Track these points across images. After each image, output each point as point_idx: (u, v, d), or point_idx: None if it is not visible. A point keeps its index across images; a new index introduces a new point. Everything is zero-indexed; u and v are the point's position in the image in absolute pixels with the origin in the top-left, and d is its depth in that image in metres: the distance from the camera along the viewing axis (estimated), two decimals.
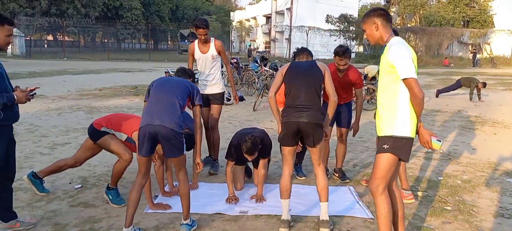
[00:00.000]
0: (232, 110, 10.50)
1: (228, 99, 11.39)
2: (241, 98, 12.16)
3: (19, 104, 3.47)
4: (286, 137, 3.70)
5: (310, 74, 3.74)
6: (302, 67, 3.82)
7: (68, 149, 6.47)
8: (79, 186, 4.77)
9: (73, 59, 33.00)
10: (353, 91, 5.23)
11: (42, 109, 9.73)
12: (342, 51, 4.80)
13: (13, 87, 3.45)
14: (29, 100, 3.51)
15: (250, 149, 4.32)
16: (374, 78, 11.58)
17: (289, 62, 3.97)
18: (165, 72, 11.67)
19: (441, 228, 3.87)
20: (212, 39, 5.44)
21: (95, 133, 4.24)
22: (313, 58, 4.18)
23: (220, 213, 4.12)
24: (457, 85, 13.30)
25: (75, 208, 4.22)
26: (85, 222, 3.91)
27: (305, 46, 4.92)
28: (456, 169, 5.71)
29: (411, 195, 4.45)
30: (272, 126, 8.50)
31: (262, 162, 4.61)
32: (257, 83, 13.33)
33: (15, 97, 3.34)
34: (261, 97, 11.01)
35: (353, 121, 5.19)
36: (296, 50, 4.28)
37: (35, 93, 3.58)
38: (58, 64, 26.99)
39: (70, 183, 4.87)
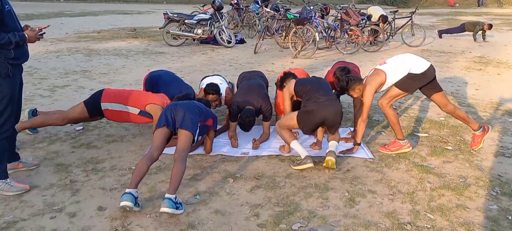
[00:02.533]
0: (233, 53, 10.36)
1: (229, 42, 11.23)
2: (242, 41, 11.98)
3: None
4: (309, 125, 3.78)
5: (320, 79, 4.09)
6: (310, 78, 4.12)
7: (68, 91, 6.43)
8: (81, 127, 4.77)
9: (70, 1, 32.25)
10: None
11: (41, 51, 9.61)
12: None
13: (22, 26, 3.37)
14: (39, 40, 3.43)
15: (244, 127, 4.34)
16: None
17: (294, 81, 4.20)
18: (164, 13, 11.40)
19: (442, 167, 3.89)
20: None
21: (97, 105, 4.14)
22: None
23: (222, 155, 4.14)
24: (461, 29, 13.00)
25: (77, 149, 4.25)
26: (88, 162, 3.94)
27: None
28: None
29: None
30: (273, 69, 8.42)
31: (266, 124, 4.57)
32: (258, 25, 13.07)
33: (26, 36, 3.27)
34: (262, 40, 10.83)
35: None
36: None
37: (44, 33, 3.49)
38: (55, 6, 26.43)
39: (71, 124, 4.86)
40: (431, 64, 4.13)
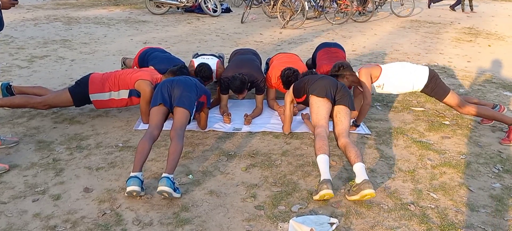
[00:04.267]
0: (219, 22, 10.05)
1: (215, 10, 10.89)
2: (228, 10, 11.64)
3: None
4: (324, 86, 3.40)
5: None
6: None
7: (47, 62, 6.11)
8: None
9: None
10: None
11: (17, 19, 9.14)
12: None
13: None
14: (14, 6, 3.21)
15: (238, 88, 4.15)
16: None
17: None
18: None
19: (441, 144, 3.78)
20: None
21: (84, 95, 3.93)
22: None
23: (214, 130, 3.96)
24: None
25: (59, 125, 4.00)
26: (71, 139, 3.71)
27: None
28: (452, 83, 5.57)
29: None
30: (261, 39, 8.18)
31: (259, 98, 4.41)
32: None
33: (0, 2, 3.05)
34: (249, 9, 10.51)
35: None
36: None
37: None
38: None
39: None
40: (429, 69, 4.03)
